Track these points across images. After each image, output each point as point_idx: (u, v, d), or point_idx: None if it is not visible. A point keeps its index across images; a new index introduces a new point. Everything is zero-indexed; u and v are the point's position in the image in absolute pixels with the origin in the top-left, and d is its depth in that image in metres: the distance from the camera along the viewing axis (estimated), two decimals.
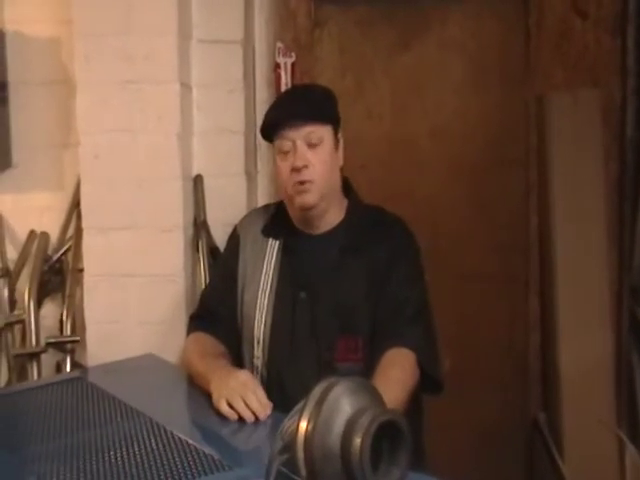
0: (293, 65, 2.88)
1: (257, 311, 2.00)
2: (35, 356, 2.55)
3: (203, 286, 2.60)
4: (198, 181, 2.65)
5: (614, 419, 2.63)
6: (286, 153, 1.93)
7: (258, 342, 1.98)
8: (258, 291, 2.01)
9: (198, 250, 2.60)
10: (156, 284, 2.52)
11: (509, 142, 3.06)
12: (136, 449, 1.50)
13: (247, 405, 1.67)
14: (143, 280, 2.52)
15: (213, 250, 2.63)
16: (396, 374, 1.78)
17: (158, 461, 1.44)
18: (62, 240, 2.84)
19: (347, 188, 2.06)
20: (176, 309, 2.54)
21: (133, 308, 2.53)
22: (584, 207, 2.67)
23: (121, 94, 2.47)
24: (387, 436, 0.91)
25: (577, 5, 2.92)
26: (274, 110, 2.00)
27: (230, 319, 2.04)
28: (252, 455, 1.57)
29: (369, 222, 2.00)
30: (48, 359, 2.65)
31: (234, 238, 2.15)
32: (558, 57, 2.94)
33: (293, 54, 2.89)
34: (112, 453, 1.48)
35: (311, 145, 1.91)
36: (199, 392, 2.12)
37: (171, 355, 2.34)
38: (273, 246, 2.05)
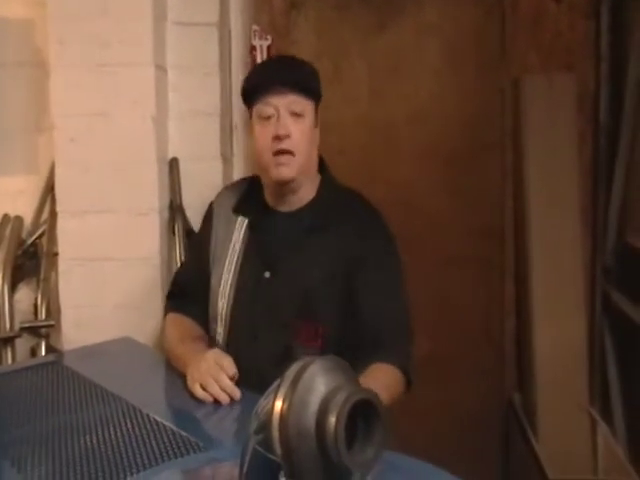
0: (269, 48, 2.87)
1: (220, 288, 1.96)
2: (9, 341, 2.53)
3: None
4: (174, 164, 2.64)
5: (587, 399, 2.67)
6: (267, 118, 1.85)
7: (221, 319, 1.95)
8: (223, 268, 1.97)
9: (174, 233, 2.59)
10: (132, 268, 2.51)
11: (485, 126, 3.07)
12: (112, 432, 1.50)
13: (221, 387, 1.67)
14: (119, 264, 2.51)
15: (189, 233, 2.63)
16: (383, 380, 1.67)
17: (134, 443, 1.44)
18: (36, 224, 2.82)
19: (322, 167, 2.00)
20: (152, 292, 2.53)
21: (108, 292, 2.51)
22: (558, 191, 2.69)
23: (96, 77, 2.44)
24: (362, 415, 0.91)
25: None
26: (259, 73, 1.94)
27: (204, 298, 2.01)
28: (228, 436, 1.58)
29: (340, 203, 1.93)
30: (22, 344, 2.63)
31: (208, 215, 2.11)
32: (533, 41, 2.96)
33: (269, 37, 2.87)
34: (88, 436, 1.49)
35: (294, 115, 1.84)
36: (175, 374, 2.13)
37: (147, 338, 2.34)
38: (242, 223, 1.99)
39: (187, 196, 2.64)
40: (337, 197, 1.94)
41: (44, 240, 2.75)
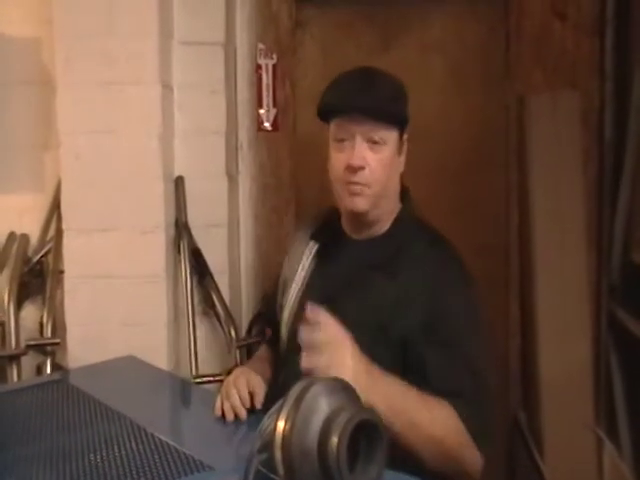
0: (274, 66, 2.88)
1: (284, 316, 1.81)
2: (15, 358, 2.54)
3: (185, 287, 2.61)
4: (179, 182, 2.65)
5: (593, 418, 2.65)
6: (341, 142, 1.66)
7: (283, 346, 1.82)
8: (288, 298, 1.82)
9: (180, 251, 2.60)
10: (137, 285, 2.52)
11: (490, 144, 3.07)
12: (116, 451, 1.50)
13: (231, 403, 1.66)
14: (124, 282, 2.52)
15: (195, 251, 2.64)
16: (444, 414, 1.44)
17: (138, 463, 1.44)
18: (42, 242, 2.83)
19: (404, 197, 1.78)
20: (158, 310, 2.54)
21: (114, 310, 2.52)
22: (563, 209, 2.68)
23: (102, 95, 2.46)
24: (364, 435, 0.91)
25: (556, 7, 2.93)
26: (337, 91, 1.69)
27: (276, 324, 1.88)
28: (232, 455, 1.57)
29: (413, 242, 1.70)
30: (28, 361, 2.64)
31: (290, 240, 1.98)
32: (538, 59, 2.96)
33: (274, 55, 2.89)
34: (92, 455, 1.48)
35: (372, 143, 1.64)
36: (179, 394, 2.14)
37: (153, 356, 2.33)
38: (312, 250, 1.82)
39: (192, 214, 2.65)
40: (411, 234, 1.72)
41: (50, 258, 2.76)
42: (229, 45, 2.76)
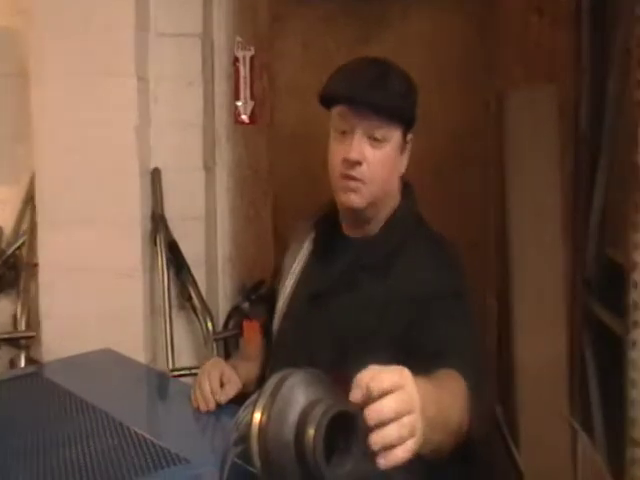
0: (252, 59, 2.87)
1: (279, 306, 1.77)
2: None
3: (161, 280, 2.60)
4: (156, 175, 2.64)
5: (568, 410, 2.68)
6: (342, 133, 1.58)
7: (274, 336, 1.78)
8: (283, 290, 1.77)
9: (156, 244, 2.59)
10: (113, 279, 2.50)
11: (469, 139, 3.09)
12: (92, 445, 1.48)
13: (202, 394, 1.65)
14: (100, 275, 2.50)
15: (171, 244, 2.63)
16: (458, 387, 1.34)
17: (114, 456, 1.42)
18: (16, 234, 2.81)
19: (405, 193, 1.70)
20: (134, 304, 2.53)
21: (90, 303, 2.51)
22: (540, 203, 2.69)
23: (77, 87, 2.44)
24: (341, 427, 0.91)
25: (533, 2, 2.95)
26: (345, 79, 1.60)
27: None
28: (210, 448, 1.57)
29: (408, 240, 1.64)
30: (2, 355, 2.62)
31: (292, 230, 1.89)
32: (516, 54, 2.97)
33: (252, 48, 2.87)
34: (68, 449, 1.47)
35: (373, 140, 1.56)
36: (156, 387, 2.13)
37: (129, 349, 2.29)
38: (311, 240, 1.76)
39: (169, 207, 2.64)
40: (406, 234, 1.65)
41: (24, 251, 2.74)
42: (206, 37, 2.74)
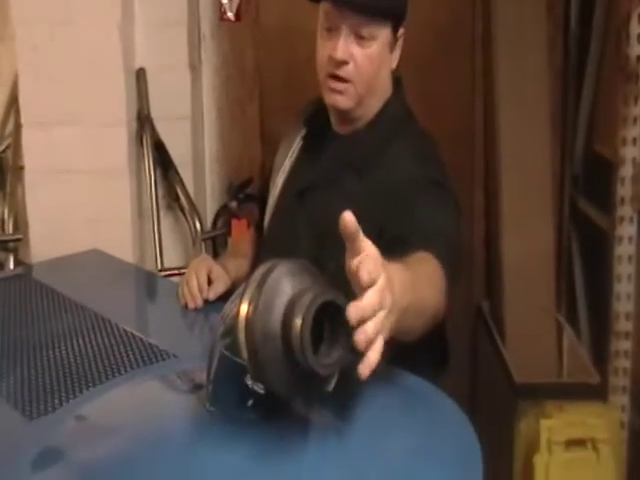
0: None
1: (269, 204, 1.76)
2: None
3: (148, 181, 2.59)
4: (141, 74, 2.59)
5: (554, 304, 2.71)
6: (328, 30, 1.53)
7: (264, 232, 1.79)
8: (274, 187, 1.76)
9: (142, 145, 2.56)
10: (100, 180, 2.49)
11: (455, 30, 3.03)
12: (81, 342, 1.50)
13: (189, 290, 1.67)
14: (86, 176, 2.49)
15: (158, 144, 2.61)
16: (435, 270, 1.32)
17: (103, 353, 1.45)
18: (1, 137, 2.78)
19: (395, 88, 1.65)
20: (121, 204, 2.53)
21: (77, 205, 2.50)
22: (528, 96, 2.66)
23: None
24: (328, 316, 0.91)
25: None
26: None
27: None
28: (198, 343, 1.59)
29: (392, 136, 1.60)
30: None
31: (288, 125, 1.83)
32: None
33: None
34: (57, 347, 1.49)
35: (359, 38, 1.51)
36: (145, 285, 2.14)
37: (117, 252, 2.29)
38: (300, 140, 1.74)
39: (155, 107, 2.60)
40: (393, 130, 1.62)
41: (9, 153, 2.71)
42: None
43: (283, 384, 0.95)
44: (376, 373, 0.90)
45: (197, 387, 1.12)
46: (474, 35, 2.99)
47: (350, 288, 0.94)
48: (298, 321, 0.89)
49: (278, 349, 0.92)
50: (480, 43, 2.96)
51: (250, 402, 1.01)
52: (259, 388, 0.96)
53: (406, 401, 1.18)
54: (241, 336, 0.93)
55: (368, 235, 1.18)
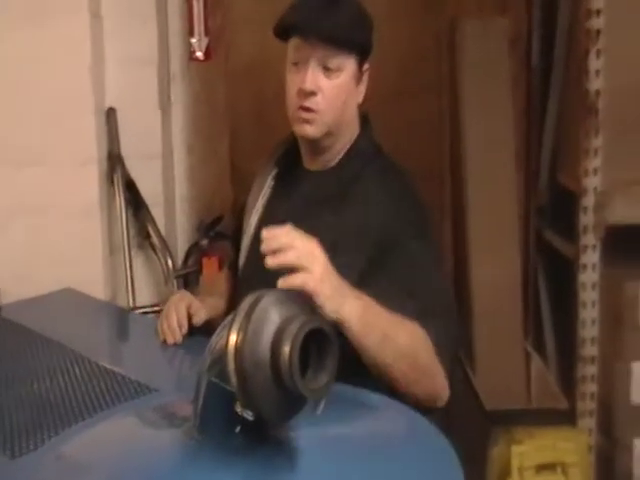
0: None
1: (244, 243, 1.77)
2: None
3: (120, 220, 2.59)
4: (111, 113, 2.61)
5: (521, 332, 2.76)
6: (296, 65, 1.58)
7: (240, 274, 1.78)
8: (247, 228, 1.77)
9: (113, 184, 2.57)
10: (71, 220, 2.48)
11: (422, 69, 3.09)
12: (60, 379, 1.49)
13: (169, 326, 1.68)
14: (58, 216, 2.48)
15: (129, 183, 2.62)
16: (416, 331, 1.40)
17: (83, 389, 1.44)
18: None
19: (363, 125, 1.69)
20: (92, 244, 2.52)
21: (48, 245, 2.48)
22: (494, 132, 2.73)
23: (29, 24, 2.38)
24: (315, 343, 0.94)
25: None
26: (296, 9, 1.60)
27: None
28: (178, 377, 1.60)
29: (365, 172, 1.63)
30: None
31: (259, 165, 1.85)
32: None
33: None
34: (36, 384, 1.48)
35: (326, 70, 1.56)
36: (120, 322, 2.13)
37: (89, 291, 2.27)
38: (272, 179, 1.76)
39: (126, 146, 2.61)
40: (364, 165, 1.65)
41: None
42: None
43: (273, 410, 0.97)
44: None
45: (182, 419, 1.13)
46: (440, 73, 3.06)
47: None
48: (287, 348, 0.92)
49: (267, 376, 0.94)
50: (446, 81, 3.04)
51: (238, 428, 1.02)
52: (248, 415, 0.97)
53: (390, 427, 1.21)
54: (230, 364, 0.95)
55: (347, 272, 1.38)
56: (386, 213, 1.55)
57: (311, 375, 0.95)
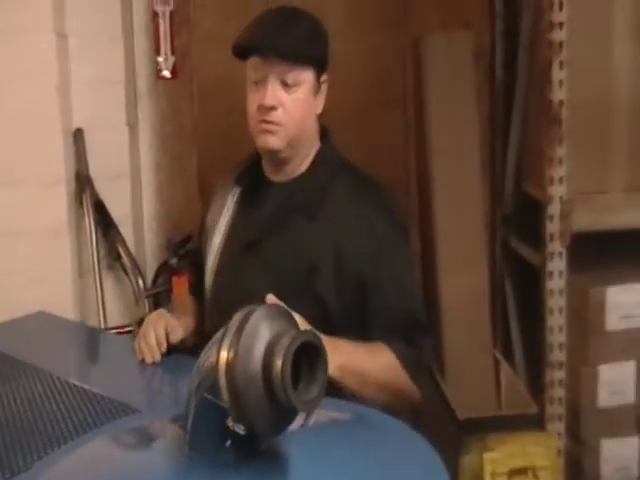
0: (172, 13, 2.81)
1: (208, 263, 1.80)
2: None
3: (89, 240, 2.59)
4: (78, 134, 2.61)
5: (490, 341, 2.80)
6: (256, 83, 1.65)
7: (207, 295, 1.81)
8: (212, 244, 1.80)
9: (82, 204, 2.57)
10: (40, 241, 2.47)
11: (387, 82, 3.13)
12: (40, 403, 1.47)
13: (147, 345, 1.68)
14: (26, 237, 2.47)
15: (97, 203, 2.62)
16: (390, 358, 1.60)
17: (64, 412, 1.42)
18: None
19: (323, 137, 1.76)
20: (62, 265, 2.51)
21: (16, 267, 2.47)
22: (459, 143, 2.78)
23: None
24: (305, 356, 0.96)
25: None
26: (250, 31, 1.67)
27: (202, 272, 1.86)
28: (160, 396, 1.60)
29: (333, 181, 1.71)
30: None
31: (213, 187, 1.92)
32: (433, 1, 3.03)
33: (171, 1, 2.82)
34: (15, 408, 1.46)
35: (285, 85, 1.63)
36: (97, 343, 2.12)
37: (59, 313, 2.25)
38: (235, 194, 1.80)
39: (94, 166, 2.62)
40: (333, 174, 1.72)
41: None
42: None
43: (266, 423, 0.98)
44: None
45: (169, 436, 1.14)
46: (405, 87, 3.10)
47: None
48: (279, 361, 0.94)
49: (260, 390, 0.96)
50: (412, 95, 3.07)
51: (228, 442, 1.03)
52: (240, 429, 0.98)
53: (381, 439, 1.23)
54: (222, 381, 0.96)
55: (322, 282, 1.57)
56: (360, 234, 1.64)
57: (303, 387, 0.96)
